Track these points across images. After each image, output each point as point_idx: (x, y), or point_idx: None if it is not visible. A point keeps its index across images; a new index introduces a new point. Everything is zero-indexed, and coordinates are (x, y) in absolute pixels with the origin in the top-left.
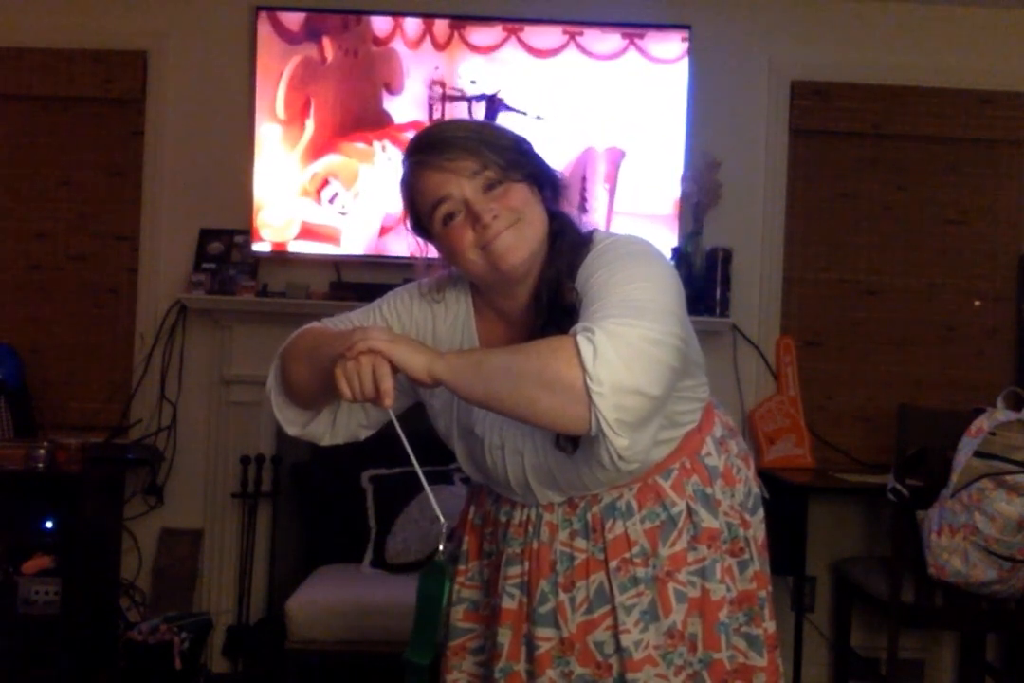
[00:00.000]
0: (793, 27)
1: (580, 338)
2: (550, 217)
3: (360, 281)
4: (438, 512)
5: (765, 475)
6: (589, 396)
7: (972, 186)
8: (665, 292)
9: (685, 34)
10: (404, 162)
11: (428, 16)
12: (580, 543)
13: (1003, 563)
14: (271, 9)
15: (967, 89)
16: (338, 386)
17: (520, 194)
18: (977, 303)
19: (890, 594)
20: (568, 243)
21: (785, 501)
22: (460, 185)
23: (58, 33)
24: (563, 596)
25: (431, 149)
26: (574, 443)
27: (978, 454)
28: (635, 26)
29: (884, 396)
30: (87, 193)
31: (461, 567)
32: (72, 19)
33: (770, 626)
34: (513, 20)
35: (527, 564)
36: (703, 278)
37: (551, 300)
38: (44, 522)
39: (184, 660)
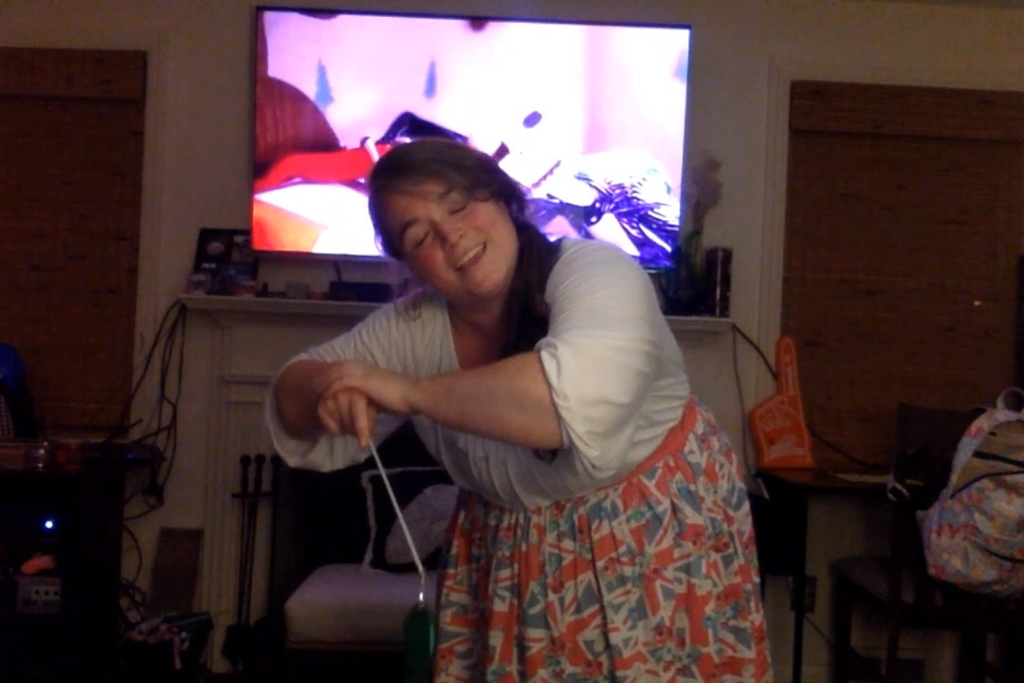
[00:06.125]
0: (793, 27)
1: (544, 354)
2: (518, 230)
3: (360, 281)
4: (417, 562)
5: (765, 475)
6: (557, 411)
7: (972, 186)
8: (633, 297)
9: (685, 34)
10: (369, 185)
11: (427, 16)
12: (568, 544)
13: (1003, 563)
14: (271, 9)
15: (967, 89)
16: (325, 425)
17: (486, 213)
18: (977, 303)
19: (890, 594)
20: (537, 254)
21: (785, 501)
22: (427, 209)
23: (58, 33)
24: (552, 597)
25: (396, 173)
26: (553, 452)
27: (978, 454)
28: (635, 25)
29: (884, 396)
30: (87, 193)
31: (450, 571)
32: (72, 19)
33: (756, 618)
34: (512, 19)
35: (516, 567)
36: (703, 278)
37: (522, 312)
38: (44, 522)
39: (184, 660)
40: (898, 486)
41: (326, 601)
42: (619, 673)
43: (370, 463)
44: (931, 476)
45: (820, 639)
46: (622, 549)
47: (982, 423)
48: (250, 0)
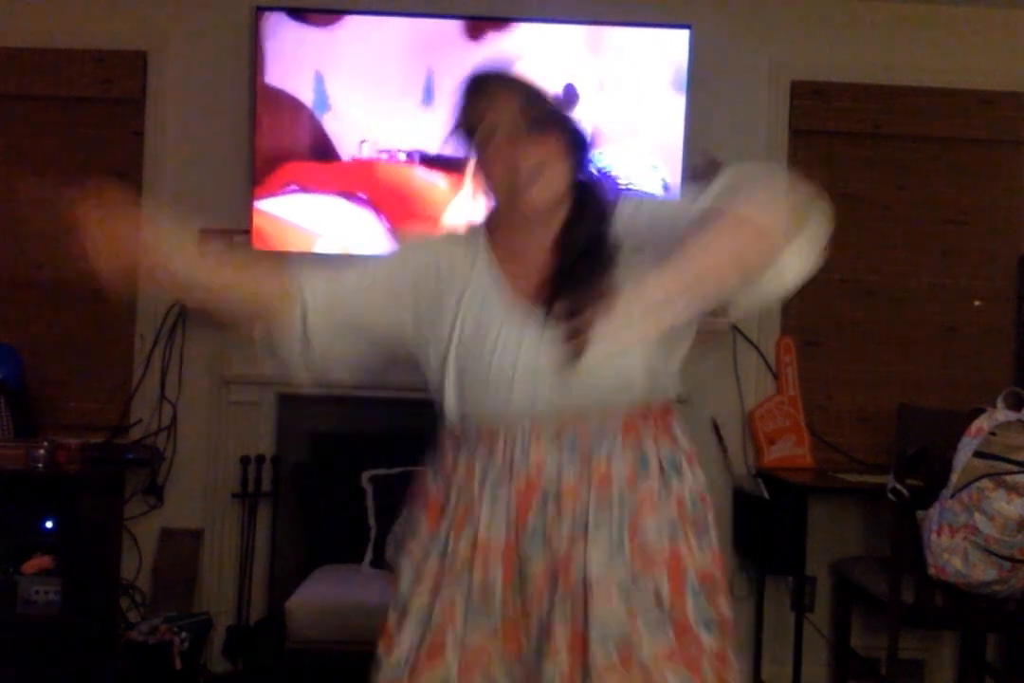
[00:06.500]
0: (793, 27)
1: (745, 209)
2: (578, 184)
3: None
4: None
5: (765, 475)
6: (780, 249)
7: (972, 186)
8: None
9: (685, 34)
10: (463, 82)
11: (426, 16)
12: (567, 475)
13: (1003, 563)
14: (271, 9)
15: (967, 89)
16: None
17: (552, 145)
18: (977, 303)
19: (890, 594)
20: (593, 196)
21: (785, 501)
22: (507, 115)
23: (58, 33)
24: (551, 527)
25: (492, 81)
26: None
27: (978, 454)
28: (635, 25)
29: (884, 396)
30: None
31: (414, 540)
32: (72, 19)
33: (725, 610)
34: (512, 19)
35: (515, 498)
36: None
37: (582, 249)
38: (44, 522)
39: (184, 660)
40: (898, 486)
41: (326, 601)
42: (590, 607)
43: (371, 464)
44: (931, 476)
45: (820, 639)
46: (615, 488)
47: (982, 423)
48: (250, 0)
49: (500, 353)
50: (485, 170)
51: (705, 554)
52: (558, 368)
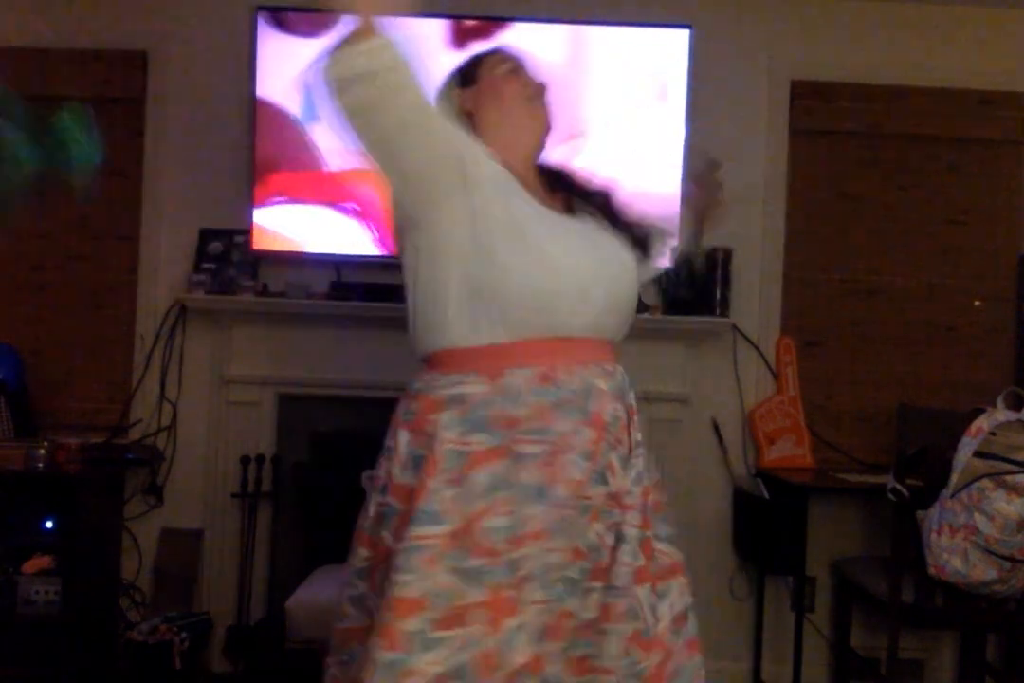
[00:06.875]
0: (793, 27)
1: None
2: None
3: (360, 281)
4: None
5: (765, 475)
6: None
7: (972, 186)
8: None
9: (685, 34)
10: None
11: (425, 16)
12: (617, 405)
13: (1003, 563)
14: (271, 9)
15: (967, 89)
16: None
17: None
18: (977, 303)
19: (890, 594)
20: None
21: (785, 501)
22: (524, 74)
23: (58, 33)
24: (612, 454)
25: (523, 56)
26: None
27: (978, 454)
28: (635, 25)
29: (884, 396)
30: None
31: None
32: (72, 19)
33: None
34: (513, 19)
35: (591, 429)
36: (703, 278)
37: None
38: (44, 522)
39: (184, 660)
40: (898, 486)
41: (326, 601)
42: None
43: (371, 464)
44: (931, 476)
45: (820, 639)
46: (637, 417)
47: (982, 423)
48: (250, 0)
49: (561, 249)
50: (505, 89)
51: (656, 486)
52: (619, 277)
